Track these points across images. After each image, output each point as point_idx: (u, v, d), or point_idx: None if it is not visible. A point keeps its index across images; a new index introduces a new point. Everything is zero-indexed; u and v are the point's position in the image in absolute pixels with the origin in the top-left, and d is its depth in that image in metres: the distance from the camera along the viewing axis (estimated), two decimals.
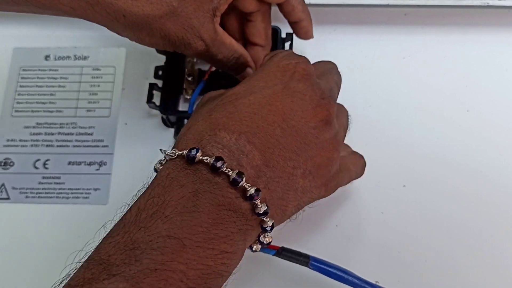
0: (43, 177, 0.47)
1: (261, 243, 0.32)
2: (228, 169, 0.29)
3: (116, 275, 0.25)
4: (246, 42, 0.44)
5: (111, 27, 0.36)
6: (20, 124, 0.49)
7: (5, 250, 0.44)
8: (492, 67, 0.49)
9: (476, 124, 0.47)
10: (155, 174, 0.31)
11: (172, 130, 0.48)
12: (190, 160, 0.29)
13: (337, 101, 0.39)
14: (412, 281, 0.42)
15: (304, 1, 0.42)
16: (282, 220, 0.34)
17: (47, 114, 0.49)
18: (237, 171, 0.29)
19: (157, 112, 0.47)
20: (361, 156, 0.41)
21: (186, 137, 0.31)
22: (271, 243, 0.36)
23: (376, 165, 0.45)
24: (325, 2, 0.49)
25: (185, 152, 0.29)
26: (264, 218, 0.30)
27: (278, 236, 0.41)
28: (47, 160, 0.47)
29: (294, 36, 0.47)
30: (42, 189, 0.46)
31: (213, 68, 0.46)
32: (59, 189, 0.46)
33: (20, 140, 0.48)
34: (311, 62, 0.37)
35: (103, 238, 0.28)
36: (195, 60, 0.48)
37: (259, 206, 0.30)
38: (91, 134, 0.48)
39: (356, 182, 0.44)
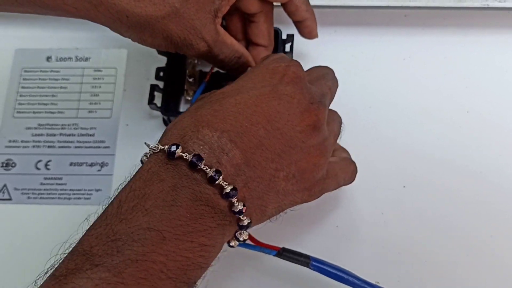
0: (45, 178, 0.47)
1: (237, 239, 0.32)
2: (206, 166, 0.29)
3: (99, 265, 0.26)
4: (249, 43, 0.44)
5: (114, 27, 0.37)
6: (22, 125, 0.49)
7: (7, 250, 0.45)
8: (492, 69, 0.49)
9: (476, 125, 0.47)
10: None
11: None
12: (170, 156, 0.29)
13: (336, 105, 0.39)
14: (412, 282, 0.42)
15: (308, 1, 0.42)
16: (261, 220, 0.34)
17: (48, 115, 0.49)
18: (214, 169, 0.29)
19: (158, 113, 0.47)
20: (353, 163, 0.41)
21: (170, 132, 0.32)
22: (273, 244, 0.37)
23: (376, 166, 0.46)
24: (326, 3, 0.49)
25: (166, 147, 0.30)
26: (241, 217, 0.31)
27: (278, 237, 0.42)
28: (49, 161, 0.47)
29: (295, 37, 0.47)
30: (44, 190, 0.46)
31: (214, 69, 0.46)
32: (61, 190, 0.46)
33: (22, 141, 0.48)
34: (311, 64, 0.38)
35: (86, 230, 0.29)
36: (196, 61, 0.48)
37: (235, 205, 0.30)
38: (92, 135, 0.48)
39: (356, 183, 0.44)
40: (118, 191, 0.30)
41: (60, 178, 0.47)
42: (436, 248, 0.43)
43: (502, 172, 0.45)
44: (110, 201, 0.30)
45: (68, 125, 0.48)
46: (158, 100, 0.46)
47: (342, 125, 0.39)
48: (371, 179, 0.45)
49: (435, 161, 0.46)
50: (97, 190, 0.46)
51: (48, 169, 0.47)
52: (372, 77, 0.50)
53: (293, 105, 0.33)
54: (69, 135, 0.48)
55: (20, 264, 0.44)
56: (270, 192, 0.32)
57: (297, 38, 0.47)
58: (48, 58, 0.51)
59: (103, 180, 0.46)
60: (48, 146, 0.48)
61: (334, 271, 0.37)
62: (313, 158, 0.34)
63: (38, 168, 0.47)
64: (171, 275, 0.27)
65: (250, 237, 0.37)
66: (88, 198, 0.46)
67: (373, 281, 0.37)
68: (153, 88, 0.46)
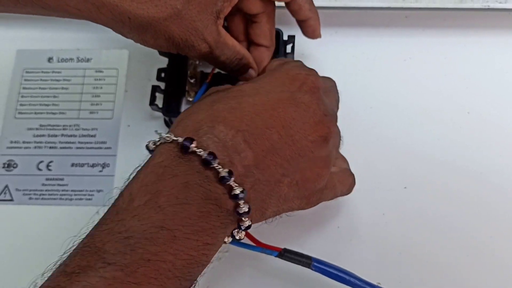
0: (47, 179, 0.47)
1: (233, 237, 0.32)
2: (219, 166, 0.29)
3: (112, 264, 0.26)
4: (250, 44, 0.44)
5: (116, 29, 0.37)
6: (23, 126, 0.49)
7: (9, 251, 0.45)
8: (493, 69, 0.49)
9: (477, 126, 0.47)
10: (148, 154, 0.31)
11: None
12: (184, 149, 0.29)
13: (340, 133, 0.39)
14: (413, 282, 0.42)
15: (311, 0, 0.42)
16: (259, 221, 0.34)
17: (50, 116, 0.49)
18: (227, 170, 0.29)
19: (159, 114, 0.47)
20: (351, 175, 0.41)
21: (184, 123, 0.32)
22: (274, 245, 0.37)
23: (377, 167, 0.46)
24: (327, 4, 0.49)
25: (180, 139, 0.30)
26: (243, 218, 0.31)
27: (280, 238, 0.42)
28: (51, 161, 0.47)
29: (296, 38, 0.47)
30: (46, 190, 0.46)
31: (216, 70, 0.46)
32: (62, 190, 0.46)
33: (24, 142, 0.48)
34: (313, 65, 0.38)
35: (97, 224, 0.29)
36: (197, 62, 0.48)
37: (241, 206, 0.30)
38: (94, 136, 0.48)
39: (357, 184, 0.44)
40: (127, 182, 0.30)
41: (62, 179, 0.47)
42: (437, 248, 0.43)
43: (502, 173, 0.45)
44: (120, 192, 0.30)
45: (70, 126, 0.49)
46: (159, 101, 0.46)
47: (342, 138, 0.39)
48: (372, 180, 0.45)
49: (436, 161, 0.46)
50: (98, 191, 0.46)
51: (49, 170, 0.47)
52: (373, 78, 0.50)
53: (309, 114, 0.33)
54: (71, 136, 0.48)
55: (22, 265, 0.44)
56: (273, 196, 0.33)
57: (298, 39, 0.47)
58: (50, 59, 0.51)
59: (104, 181, 0.46)
60: (50, 147, 0.48)
61: (336, 272, 0.37)
62: (318, 168, 0.34)
63: (39, 169, 0.47)
64: (178, 273, 0.27)
65: (252, 238, 0.37)
66: (89, 199, 0.46)
67: (374, 282, 0.37)
68: (155, 89, 0.46)
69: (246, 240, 0.37)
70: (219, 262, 0.42)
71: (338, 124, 0.39)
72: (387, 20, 0.51)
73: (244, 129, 0.31)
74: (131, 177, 0.30)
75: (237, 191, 0.29)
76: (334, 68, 0.45)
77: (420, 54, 0.50)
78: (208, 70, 0.47)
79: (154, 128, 0.48)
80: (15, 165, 0.47)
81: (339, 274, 0.37)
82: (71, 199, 0.46)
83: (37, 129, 0.49)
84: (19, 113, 0.49)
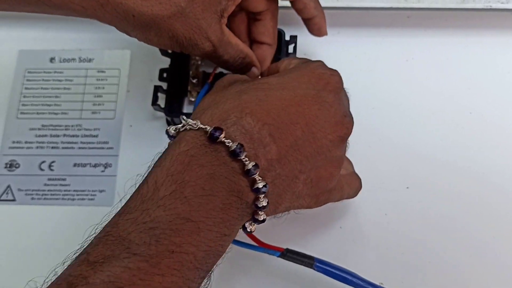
0: (49, 179, 0.47)
1: (245, 229, 0.33)
2: (246, 158, 0.29)
3: (136, 254, 0.26)
4: (252, 42, 0.44)
5: (120, 27, 0.37)
6: (25, 126, 0.49)
7: (11, 251, 0.45)
8: (495, 70, 0.49)
9: (479, 126, 0.47)
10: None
11: None
12: (212, 139, 0.29)
13: None
14: (416, 283, 0.42)
15: None
16: (270, 215, 0.34)
17: (52, 116, 0.49)
18: (254, 162, 0.29)
19: (161, 114, 0.47)
20: (358, 178, 0.41)
21: (211, 111, 0.32)
22: (276, 245, 0.37)
23: (379, 167, 0.46)
24: (329, 4, 0.49)
25: (209, 128, 0.29)
26: (260, 211, 0.31)
27: (282, 238, 0.42)
28: (53, 161, 0.47)
29: (298, 39, 0.47)
30: (48, 190, 0.46)
31: (218, 70, 0.46)
32: (65, 190, 0.46)
33: (26, 142, 0.48)
34: None
35: (120, 212, 0.28)
36: (199, 62, 0.48)
37: (260, 200, 0.30)
38: (96, 136, 0.48)
39: None
40: (150, 169, 0.30)
41: (64, 179, 0.47)
42: (440, 249, 0.43)
43: (504, 173, 0.45)
44: (143, 178, 0.30)
45: (72, 126, 0.49)
46: (161, 101, 0.46)
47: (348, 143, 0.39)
48: (374, 180, 0.45)
49: (438, 162, 0.46)
50: (100, 191, 0.46)
51: (51, 170, 0.47)
52: (375, 78, 0.50)
53: (331, 113, 0.34)
54: (73, 136, 0.48)
55: (24, 265, 0.44)
56: (288, 192, 0.33)
57: (301, 39, 0.47)
58: (52, 59, 0.51)
59: (106, 181, 0.46)
60: (52, 147, 0.48)
61: (338, 272, 0.37)
62: (332, 168, 0.35)
63: (41, 169, 0.47)
64: (198, 265, 0.27)
65: (254, 238, 0.37)
66: (92, 199, 0.46)
67: (377, 282, 0.37)
68: (157, 89, 0.46)
69: (249, 240, 0.37)
70: (222, 262, 0.42)
71: None
72: (389, 21, 0.51)
73: (271, 122, 0.31)
74: (152, 163, 0.30)
75: (260, 184, 0.30)
76: (336, 68, 0.44)
77: (422, 54, 0.50)
78: (210, 70, 0.47)
79: (156, 129, 0.48)
80: (17, 165, 0.47)
81: (342, 274, 0.37)
82: (73, 199, 0.46)
83: (39, 129, 0.49)
84: (21, 113, 0.49)
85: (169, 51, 0.47)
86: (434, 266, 0.42)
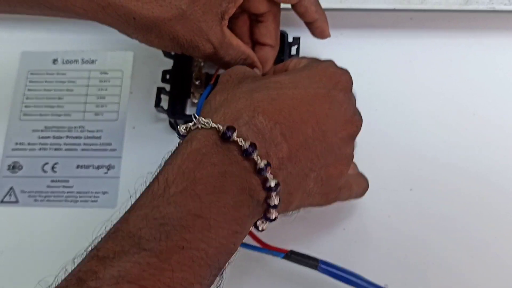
0: (52, 181, 0.47)
1: (257, 227, 0.33)
2: (258, 157, 0.29)
3: (146, 250, 0.26)
4: (254, 44, 0.44)
5: (121, 29, 0.37)
6: (28, 127, 0.49)
7: (14, 253, 0.45)
8: (498, 71, 0.49)
9: (482, 128, 0.47)
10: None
11: None
12: (224, 138, 0.29)
13: None
14: (420, 284, 0.42)
15: (318, 1, 0.42)
16: (281, 213, 0.34)
17: (55, 117, 0.49)
18: (265, 161, 0.29)
19: (164, 115, 0.47)
20: (366, 179, 0.42)
21: (223, 110, 0.32)
22: (281, 247, 0.37)
23: (383, 169, 0.46)
24: (332, 6, 0.49)
25: (221, 127, 0.30)
26: (271, 210, 0.31)
27: (286, 239, 0.42)
28: (56, 163, 0.47)
29: (301, 40, 0.47)
30: (51, 192, 0.46)
31: (220, 71, 0.46)
32: (68, 192, 0.46)
33: (29, 144, 0.48)
34: None
35: (130, 209, 0.28)
36: (202, 64, 0.48)
37: (272, 198, 0.30)
38: (99, 137, 0.48)
39: None
40: (161, 167, 0.30)
41: (67, 181, 0.47)
42: (444, 250, 0.43)
43: (509, 175, 0.45)
44: (154, 175, 0.30)
45: (75, 127, 0.49)
46: (164, 103, 0.46)
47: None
48: (378, 181, 0.45)
49: (441, 163, 0.46)
50: (104, 193, 0.46)
51: (54, 171, 0.47)
52: (378, 80, 0.50)
53: (341, 112, 0.34)
54: (76, 137, 0.48)
55: (27, 267, 0.44)
56: (299, 190, 0.33)
57: (304, 40, 0.47)
58: (54, 61, 0.51)
59: (109, 183, 0.46)
60: (55, 149, 0.48)
61: (343, 274, 0.37)
62: (341, 166, 0.35)
63: (44, 171, 0.47)
64: (209, 262, 0.27)
65: (258, 240, 0.37)
66: (95, 201, 0.46)
67: (382, 284, 0.37)
68: (160, 91, 0.46)
69: (253, 242, 0.37)
70: (233, 259, 0.42)
71: None
72: (392, 22, 0.51)
73: (282, 121, 0.31)
74: (163, 162, 0.30)
75: (272, 183, 0.30)
76: None
77: (425, 55, 0.50)
78: (213, 71, 0.47)
79: (159, 130, 0.48)
80: (20, 167, 0.47)
81: (346, 276, 0.37)
82: (76, 201, 0.46)
83: (42, 130, 0.49)
84: (24, 115, 0.49)
85: (172, 53, 0.48)
86: (438, 268, 0.42)
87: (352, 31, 0.51)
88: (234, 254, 0.30)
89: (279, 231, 0.43)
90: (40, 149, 0.48)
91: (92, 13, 0.35)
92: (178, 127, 0.31)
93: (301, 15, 0.42)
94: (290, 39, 0.48)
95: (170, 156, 0.30)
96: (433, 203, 0.45)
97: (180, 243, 0.26)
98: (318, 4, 0.42)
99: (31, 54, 0.52)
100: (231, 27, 0.44)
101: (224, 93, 0.34)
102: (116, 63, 0.51)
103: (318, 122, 0.33)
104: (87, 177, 0.47)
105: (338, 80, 0.35)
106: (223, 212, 0.28)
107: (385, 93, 0.49)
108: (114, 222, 0.28)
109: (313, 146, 0.33)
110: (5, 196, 0.46)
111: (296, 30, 0.46)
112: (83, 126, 0.49)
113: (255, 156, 0.29)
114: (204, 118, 0.31)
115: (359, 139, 0.42)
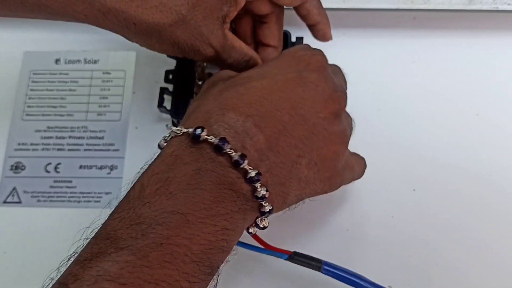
0: (55, 181, 0.47)
1: (257, 226, 0.33)
2: (231, 150, 0.29)
3: (124, 248, 0.26)
4: (258, 44, 0.44)
5: (122, 33, 0.37)
6: (31, 128, 0.49)
7: (17, 253, 0.45)
8: (501, 71, 0.49)
9: (486, 128, 0.47)
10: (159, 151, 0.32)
11: None
12: (195, 139, 0.30)
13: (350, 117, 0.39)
14: (424, 285, 0.42)
15: (320, 4, 0.42)
16: (282, 207, 0.34)
17: (58, 118, 0.49)
18: (240, 153, 0.29)
19: (167, 116, 0.47)
20: (363, 158, 0.41)
21: (194, 115, 0.32)
22: (285, 248, 0.37)
23: (386, 169, 0.46)
24: (335, 6, 0.49)
25: (191, 130, 0.30)
26: (263, 202, 0.31)
27: (289, 241, 0.42)
28: (58, 163, 0.47)
29: (304, 40, 0.47)
30: (54, 192, 0.46)
31: None
32: (71, 192, 0.46)
33: (31, 144, 0.48)
34: None
35: (109, 214, 0.29)
36: (205, 64, 0.48)
37: (258, 190, 0.30)
38: (102, 138, 0.48)
39: (366, 186, 0.44)
40: (139, 175, 0.30)
41: (70, 181, 0.47)
42: (447, 251, 0.43)
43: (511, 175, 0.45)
44: (132, 185, 0.30)
45: (77, 127, 0.49)
46: (167, 103, 0.46)
47: (353, 121, 0.39)
48: (381, 182, 0.45)
49: (445, 163, 0.46)
50: (107, 193, 0.46)
51: (57, 172, 0.47)
52: (381, 80, 0.50)
53: (318, 92, 0.34)
54: (79, 138, 0.48)
55: (30, 268, 0.44)
56: (292, 179, 0.32)
57: (306, 40, 0.47)
58: (57, 61, 0.51)
59: (112, 183, 0.46)
60: (58, 149, 0.48)
61: (346, 275, 0.37)
62: (334, 146, 0.34)
63: (47, 171, 0.47)
64: (195, 258, 0.27)
65: (261, 241, 0.37)
66: (98, 201, 0.46)
67: (385, 285, 0.37)
68: (163, 91, 0.46)
69: (256, 243, 0.37)
70: (228, 264, 0.42)
71: None
72: (395, 22, 0.51)
73: (254, 113, 0.31)
74: (141, 171, 0.31)
75: (252, 173, 0.29)
76: (342, 70, 0.44)
77: (428, 55, 0.50)
78: (216, 71, 0.47)
79: (162, 131, 0.48)
80: (23, 167, 0.47)
81: (350, 277, 0.37)
82: (79, 201, 0.46)
83: (44, 131, 0.49)
84: (27, 115, 0.49)
85: None
86: (442, 269, 0.42)
87: (355, 31, 0.51)
88: (232, 252, 0.30)
89: (281, 231, 0.43)
90: (42, 149, 0.48)
91: (92, 18, 0.35)
92: (159, 142, 0.32)
93: (303, 17, 0.42)
94: (293, 39, 0.48)
95: (147, 165, 0.31)
96: (436, 203, 0.44)
97: (157, 240, 0.26)
98: (321, 7, 0.42)
99: (34, 54, 0.52)
100: (234, 28, 0.44)
101: (198, 100, 0.34)
102: (118, 63, 0.51)
103: (293, 107, 0.32)
104: (90, 178, 0.47)
105: (309, 62, 0.35)
106: (201, 207, 0.28)
107: (388, 93, 0.49)
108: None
109: (294, 132, 0.32)
110: (8, 197, 0.46)
111: (299, 30, 0.46)
112: (86, 126, 0.49)
113: (227, 149, 0.29)
114: (179, 126, 0.31)
115: (361, 139, 0.42)
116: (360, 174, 0.41)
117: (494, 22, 0.50)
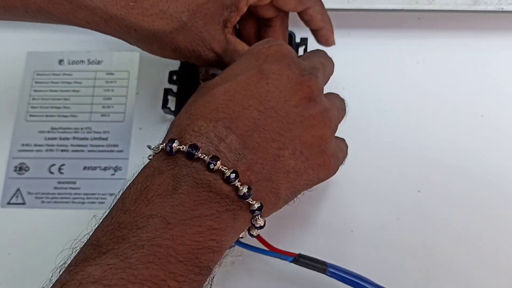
0: (59, 182, 0.47)
1: (253, 225, 0.33)
2: (203, 154, 0.30)
3: (106, 252, 0.27)
4: None
5: (123, 39, 0.38)
6: (34, 128, 0.49)
7: (21, 254, 0.45)
8: (507, 72, 0.49)
9: (491, 129, 0.47)
10: None
11: None
12: (169, 151, 0.30)
13: (350, 108, 0.39)
14: (429, 287, 0.42)
15: (324, 9, 0.42)
16: (277, 204, 0.33)
17: (61, 118, 0.49)
18: (211, 155, 0.30)
19: (172, 117, 0.47)
20: (343, 139, 0.40)
21: (170, 131, 0.33)
22: (289, 250, 0.37)
23: (391, 170, 0.46)
24: (339, 6, 0.49)
25: (164, 144, 0.31)
26: (249, 200, 0.31)
27: (292, 242, 0.42)
28: (62, 165, 0.47)
29: (309, 41, 0.47)
30: (58, 194, 0.46)
31: None
32: (75, 194, 0.46)
33: (35, 145, 0.48)
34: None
35: (95, 227, 0.30)
36: None
37: (240, 188, 0.30)
38: (105, 139, 0.48)
39: (371, 187, 0.44)
40: (122, 191, 0.31)
41: (74, 182, 0.47)
42: (453, 253, 0.42)
43: None
44: (115, 201, 0.31)
45: (81, 128, 0.48)
46: (171, 104, 0.46)
47: (345, 102, 0.39)
48: (386, 183, 0.45)
49: (450, 165, 0.46)
50: (111, 194, 0.46)
51: (61, 173, 0.47)
52: (385, 80, 0.49)
53: (283, 81, 0.33)
54: (82, 138, 0.48)
55: (34, 269, 0.44)
56: (278, 172, 0.32)
57: (311, 41, 0.47)
58: (61, 61, 0.51)
59: (117, 184, 0.46)
60: (62, 150, 0.48)
61: (352, 278, 0.37)
62: (316, 130, 0.34)
63: (51, 172, 0.47)
64: (181, 258, 0.27)
65: (266, 244, 0.37)
66: (102, 202, 0.46)
67: None
68: (167, 92, 0.46)
69: (261, 245, 0.37)
70: (233, 266, 0.42)
71: (351, 126, 0.39)
72: (399, 22, 0.51)
73: (222, 117, 0.31)
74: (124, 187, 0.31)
75: (228, 173, 0.30)
76: (347, 71, 0.45)
77: (433, 56, 0.50)
78: (220, 72, 0.47)
79: (166, 132, 0.48)
80: (27, 168, 0.47)
81: (355, 280, 0.37)
82: (83, 203, 0.46)
83: (48, 132, 0.49)
84: (30, 116, 0.49)
85: None
86: (447, 270, 0.42)
87: (359, 31, 0.51)
88: (225, 253, 0.30)
89: (286, 234, 0.43)
90: (46, 150, 0.48)
91: (94, 25, 0.36)
92: (143, 161, 0.33)
93: (306, 22, 0.43)
94: (297, 40, 0.48)
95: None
96: (441, 205, 0.44)
97: (138, 243, 0.27)
98: (324, 13, 0.42)
99: (37, 54, 0.52)
100: (239, 30, 0.44)
101: (174, 119, 0.34)
102: (122, 63, 0.51)
103: (261, 102, 0.32)
104: (94, 179, 0.47)
105: (267, 54, 0.35)
106: (181, 210, 0.28)
107: (392, 94, 0.49)
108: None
109: (267, 126, 0.32)
110: (12, 198, 0.46)
111: (304, 31, 0.46)
112: (90, 127, 0.48)
113: (199, 154, 0.30)
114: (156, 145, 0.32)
115: (366, 140, 0.42)
116: (346, 155, 0.39)
117: (499, 23, 0.50)
